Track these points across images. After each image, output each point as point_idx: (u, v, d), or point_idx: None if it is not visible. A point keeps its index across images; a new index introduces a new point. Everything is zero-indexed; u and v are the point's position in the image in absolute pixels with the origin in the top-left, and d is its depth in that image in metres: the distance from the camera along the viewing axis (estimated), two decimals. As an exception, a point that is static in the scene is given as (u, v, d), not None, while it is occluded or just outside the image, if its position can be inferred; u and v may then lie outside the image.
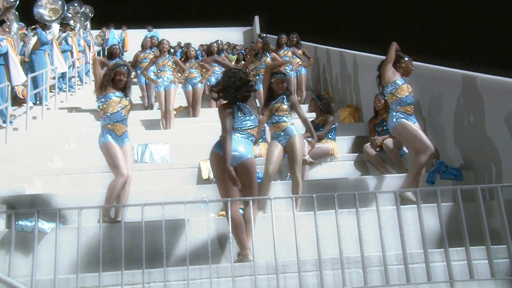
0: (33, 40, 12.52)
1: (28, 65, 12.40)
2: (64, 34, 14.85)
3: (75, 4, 16.09)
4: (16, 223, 4.96)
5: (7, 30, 10.72)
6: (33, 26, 12.91)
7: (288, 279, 4.39)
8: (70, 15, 15.83)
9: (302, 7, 34.34)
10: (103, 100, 5.84)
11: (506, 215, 4.32)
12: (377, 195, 4.57)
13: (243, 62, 14.20)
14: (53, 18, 13.00)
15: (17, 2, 10.72)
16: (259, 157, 7.41)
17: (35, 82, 11.92)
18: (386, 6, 27.73)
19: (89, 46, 17.64)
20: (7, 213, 5.53)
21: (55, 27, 13.35)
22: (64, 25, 15.27)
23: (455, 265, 4.38)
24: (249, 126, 5.10)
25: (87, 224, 5.39)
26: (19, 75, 10.25)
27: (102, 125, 5.84)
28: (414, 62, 6.47)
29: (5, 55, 10.23)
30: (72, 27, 15.79)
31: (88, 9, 17.45)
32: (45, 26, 12.86)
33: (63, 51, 14.39)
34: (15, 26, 11.10)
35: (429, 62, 7.92)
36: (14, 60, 10.28)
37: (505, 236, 4.30)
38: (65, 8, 13.52)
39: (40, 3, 12.90)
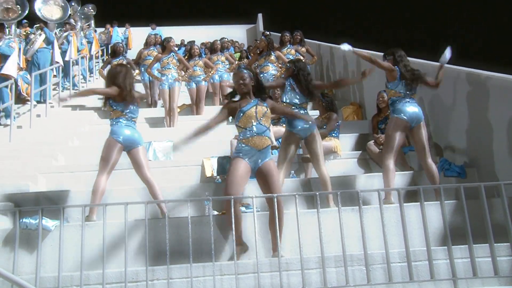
0: (40, 39, 12.54)
1: (32, 64, 12.43)
2: (65, 34, 14.86)
3: (73, 3, 16.11)
4: (20, 220, 4.98)
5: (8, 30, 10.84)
6: (37, 25, 12.93)
7: (291, 276, 4.40)
8: (70, 14, 15.88)
9: (305, 4, 34.31)
10: None
11: (510, 213, 4.31)
12: (380, 192, 4.57)
13: (246, 60, 14.21)
14: (54, 18, 13.06)
15: (25, 13, 10.83)
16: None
17: (42, 80, 11.98)
18: (390, 3, 27.69)
19: (91, 43, 17.67)
20: (12, 210, 5.55)
21: (51, 24, 13.40)
22: (65, 24, 15.27)
23: (458, 263, 4.38)
24: None
25: (90, 221, 5.41)
26: (11, 68, 10.19)
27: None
28: (418, 60, 6.47)
29: (5, 56, 10.35)
30: (73, 25, 15.79)
31: (90, 7, 17.46)
32: (46, 24, 12.93)
33: (65, 51, 14.45)
34: (13, 27, 11.19)
35: (432, 60, 7.90)
36: (15, 57, 10.34)
37: (509, 234, 4.30)
38: (68, 10, 13.54)
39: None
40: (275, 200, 4.64)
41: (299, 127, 6.03)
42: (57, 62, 12.48)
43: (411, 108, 6.14)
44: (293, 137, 6.08)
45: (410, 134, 6.26)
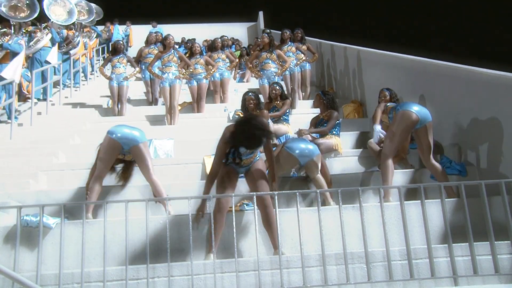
0: (46, 38, 12.53)
1: (32, 61, 12.41)
2: (76, 35, 14.89)
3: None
4: (21, 218, 4.98)
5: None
6: (45, 24, 12.92)
7: (292, 274, 4.40)
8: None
9: (306, 2, 34.30)
10: None
11: (510, 211, 4.31)
12: (380, 190, 4.58)
13: (246, 57, 14.22)
14: (56, 19, 13.06)
15: (33, 16, 10.82)
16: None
17: (44, 78, 11.97)
18: (390, 2, 27.67)
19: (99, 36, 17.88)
20: (13, 208, 5.56)
21: (55, 24, 13.40)
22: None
23: (459, 261, 4.39)
24: None
25: (92, 219, 5.42)
26: (13, 72, 10.10)
27: None
28: (419, 58, 6.44)
29: (14, 53, 10.35)
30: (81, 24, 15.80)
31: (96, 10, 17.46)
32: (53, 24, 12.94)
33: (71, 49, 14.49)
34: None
35: (435, 58, 7.90)
36: (19, 59, 10.35)
37: (509, 232, 4.30)
38: (73, 17, 13.51)
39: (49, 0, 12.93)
40: (276, 198, 4.63)
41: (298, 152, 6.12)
42: (48, 62, 12.40)
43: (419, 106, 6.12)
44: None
45: (415, 132, 6.15)
